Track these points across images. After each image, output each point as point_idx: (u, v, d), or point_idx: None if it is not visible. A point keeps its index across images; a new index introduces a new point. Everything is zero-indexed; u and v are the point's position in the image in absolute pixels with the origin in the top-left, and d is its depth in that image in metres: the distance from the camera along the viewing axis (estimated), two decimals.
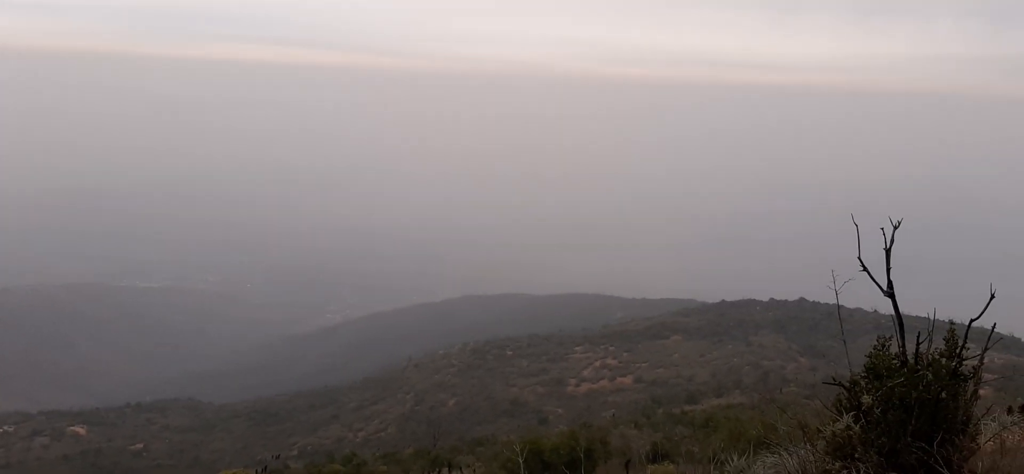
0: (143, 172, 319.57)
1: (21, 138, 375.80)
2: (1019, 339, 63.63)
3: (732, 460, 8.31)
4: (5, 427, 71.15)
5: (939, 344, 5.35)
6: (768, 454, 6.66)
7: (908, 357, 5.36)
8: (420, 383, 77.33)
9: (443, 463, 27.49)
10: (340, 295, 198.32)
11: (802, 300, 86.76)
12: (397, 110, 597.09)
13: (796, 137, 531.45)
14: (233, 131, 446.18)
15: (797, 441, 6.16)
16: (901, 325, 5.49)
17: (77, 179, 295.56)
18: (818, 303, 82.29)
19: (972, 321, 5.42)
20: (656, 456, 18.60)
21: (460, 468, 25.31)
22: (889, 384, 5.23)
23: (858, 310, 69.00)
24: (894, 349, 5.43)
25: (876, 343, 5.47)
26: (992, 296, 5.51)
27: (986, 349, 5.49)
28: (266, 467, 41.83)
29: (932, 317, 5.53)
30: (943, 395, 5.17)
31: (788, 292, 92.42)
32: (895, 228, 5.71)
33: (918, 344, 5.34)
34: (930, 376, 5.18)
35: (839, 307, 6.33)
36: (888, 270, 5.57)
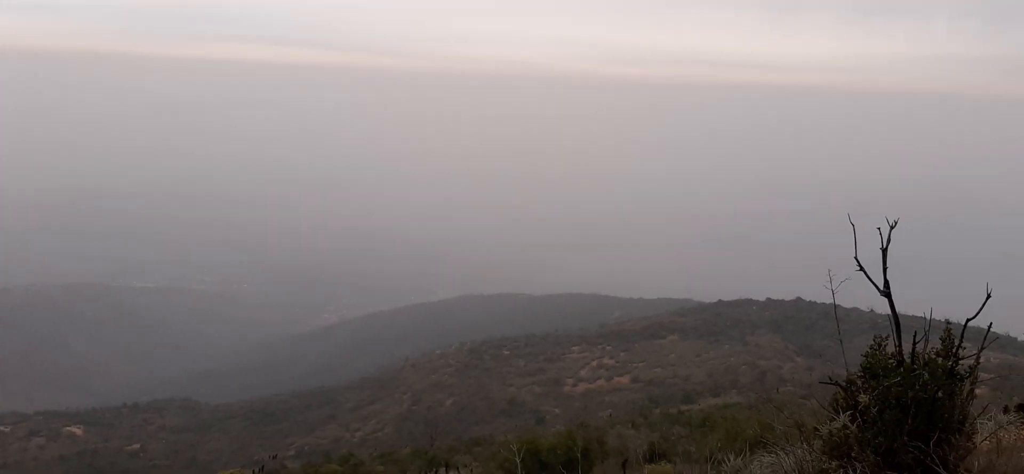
0: (142, 172, 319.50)
1: (20, 138, 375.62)
2: (1015, 338, 63.77)
3: (729, 460, 8.28)
4: (1, 427, 71.07)
5: (935, 344, 5.33)
6: (765, 454, 6.64)
7: (904, 356, 5.35)
8: (417, 383, 77.32)
9: (440, 463, 27.49)
10: (338, 295, 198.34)
11: (799, 300, 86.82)
12: (397, 110, 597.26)
13: (795, 137, 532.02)
14: (232, 131, 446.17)
15: (794, 440, 6.15)
16: (897, 324, 5.47)
17: (76, 179, 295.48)
18: (815, 303, 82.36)
19: (968, 321, 5.40)
20: (653, 456, 18.59)
21: (457, 468, 25.30)
22: (885, 383, 5.21)
23: (855, 310, 68.99)
24: (890, 348, 5.42)
25: (872, 343, 5.46)
26: (988, 296, 5.50)
27: (982, 348, 5.48)
28: (263, 467, 41.78)
29: (928, 317, 5.51)
30: (939, 394, 5.15)
31: (785, 292, 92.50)
32: (891, 228, 5.69)
33: (914, 343, 5.33)
34: (926, 375, 5.16)
35: (836, 307, 6.31)
36: (884, 270, 5.55)
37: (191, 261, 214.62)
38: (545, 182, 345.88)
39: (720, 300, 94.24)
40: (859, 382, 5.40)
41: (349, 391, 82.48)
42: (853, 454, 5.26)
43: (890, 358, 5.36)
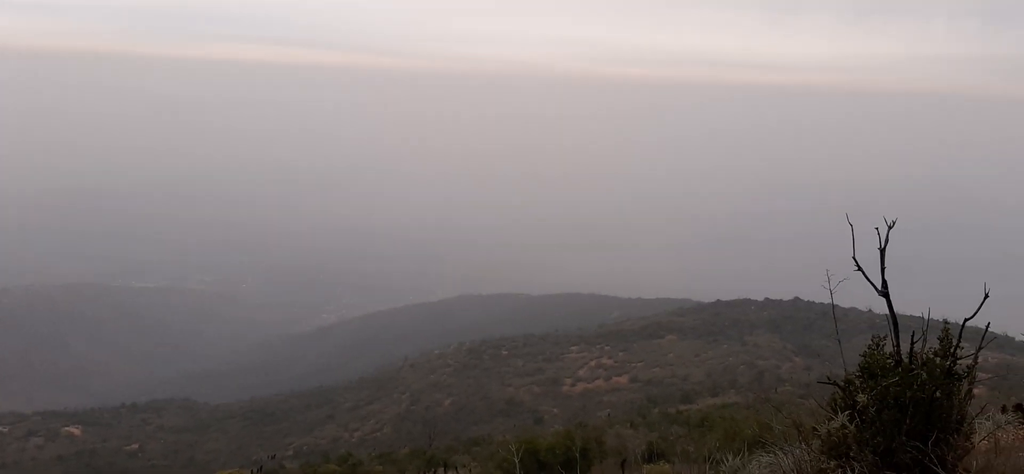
0: (141, 172, 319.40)
1: (20, 138, 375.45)
2: (1013, 338, 63.70)
3: (727, 460, 8.27)
4: (0, 428, 71.03)
5: (934, 343, 5.33)
6: (763, 453, 6.63)
7: (903, 356, 5.34)
8: (416, 383, 77.31)
9: (439, 463, 27.47)
10: (337, 295, 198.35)
11: (797, 300, 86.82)
12: (396, 110, 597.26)
13: (794, 137, 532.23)
14: (232, 131, 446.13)
15: (792, 440, 6.14)
16: (895, 324, 5.46)
17: (75, 179, 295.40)
18: (813, 303, 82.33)
19: (966, 320, 5.40)
20: (652, 455, 18.59)
21: (456, 468, 25.30)
22: (884, 383, 5.21)
23: (853, 310, 68.92)
24: (889, 348, 5.41)
25: (871, 342, 5.45)
26: (986, 296, 5.49)
27: (980, 348, 5.47)
28: (261, 467, 41.77)
29: (927, 316, 5.51)
30: (937, 394, 5.15)
31: (783, 292, 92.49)
32: (890, 228, 5.68)
33: (912, 343, 5.32)
34: (925, 375, 5.15)
35: (834, 307, 6.30)
36: (883, 270, 5.54)
37: (190, 261, 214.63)
38: (544, 182, 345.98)
39: (718, 300, 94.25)
40: (857, 382, 5.39)
41: (348, 391, 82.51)
42: (851, 454, 5.25)
43: (888, 358, 5.35)
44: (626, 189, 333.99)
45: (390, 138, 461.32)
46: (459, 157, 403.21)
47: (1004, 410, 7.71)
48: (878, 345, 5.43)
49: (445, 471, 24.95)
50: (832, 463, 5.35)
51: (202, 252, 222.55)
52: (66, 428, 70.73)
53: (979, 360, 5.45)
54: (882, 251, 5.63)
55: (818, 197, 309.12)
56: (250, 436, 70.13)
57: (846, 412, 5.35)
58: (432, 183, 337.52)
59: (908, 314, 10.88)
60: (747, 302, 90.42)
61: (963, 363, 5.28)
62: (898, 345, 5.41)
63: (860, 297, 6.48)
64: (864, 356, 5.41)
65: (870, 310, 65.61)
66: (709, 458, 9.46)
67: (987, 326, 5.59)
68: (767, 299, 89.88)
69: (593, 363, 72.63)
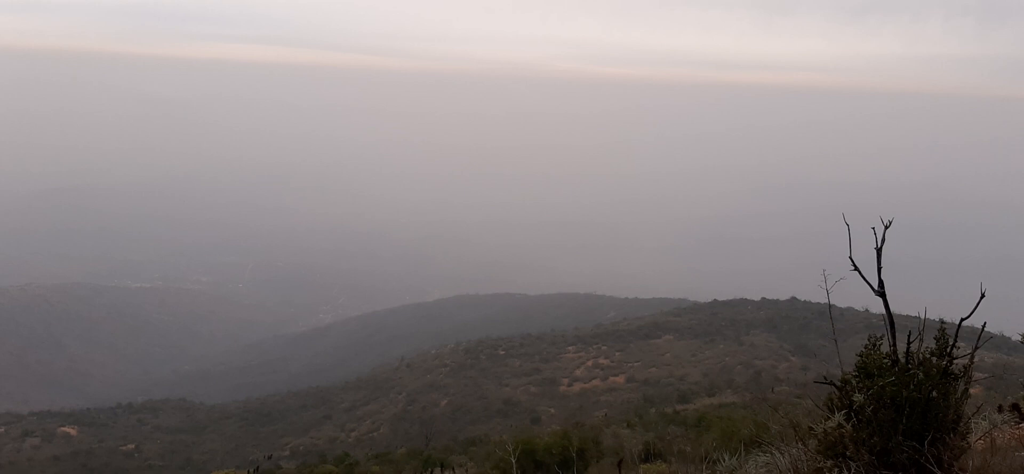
0: (136, 172, 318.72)
1: (13, 138, 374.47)
2: (1009, 338, 63.79)
3: (724, 459, 8.29)
4: None
5: (930, 343, 5.34)
6: (760, 453, 6.66)
7: (899, 356, 5.36)
8: (412, 383, 77.20)
9: (436, 463, 27.44)
10: (333, 295, 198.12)
11: (794, 299, 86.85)
12: (391, 110, 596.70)
13: (789, 137, 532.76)
14: (226, 131, 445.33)
15: (789, 440, 6.15)
16: (892, 324, 5.49)
17: (68, 179, 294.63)
18: (810, 302, 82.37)
19: (962, 320, 5.42)
20: (649, 455, 18.61)
21: (453, 468, 25.29)
22: (880, 383, 5.22)
23: (849, 309, 69.08)
24: (885, 348, 5.43)
25: (867, 342, 5.46)
26: (982, 295, 5.51)
27: (976, 348, 5.49)
28: (258, 467, 41.68)
29: (923, 316, 5.53)
30: (934, 394, 5.16)
31: (780, 291, 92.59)
32: (886, 228, 5.70)
33: (909, 343, 5.34)
34: (921, 375, 5.17)
35: (830, 306, 6.32)
36: (879, 269, 5.56)
37: (185, 261, 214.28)
38: (541, 182, 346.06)
39: (715, 300, 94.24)
40: (854, 382, 5.41)
41: (344, 391, 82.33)
42: (848, 454, 5.27)
43: (885, 358, 5.37)
44: (622, 189, 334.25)
45: (385, 138, 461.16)
46: (455, 157, 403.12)
47: (1000, 410, 7.74)
48: (875, 345, 5.44)
49: (442, 471, 24.94)
50: (828, 463, 5.37)
51: (197, 252, 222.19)
52: (62, 428, 70.50)
53: (975, 360, 5.47)
54: (879, 251, 5.65)
55: (813, 197, 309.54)
56: (247, 436, 69.99)
57: (842, 412, 5.36)
58: (428, 183, 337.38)
59: (905, 314, 10.88)
60: (744, 302, 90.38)
61: (959, 363, 5.30)
62: (894, 345, 5.43)
63: (857, 297, 6.50)
64: (861, 356, 5.43)
65: (867, 310, 65.81)
66: (706, 458, 9.48)
67: (983, 326, 5.61)
68: (764, 299, 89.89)
69: (590, 363, 72.60)
